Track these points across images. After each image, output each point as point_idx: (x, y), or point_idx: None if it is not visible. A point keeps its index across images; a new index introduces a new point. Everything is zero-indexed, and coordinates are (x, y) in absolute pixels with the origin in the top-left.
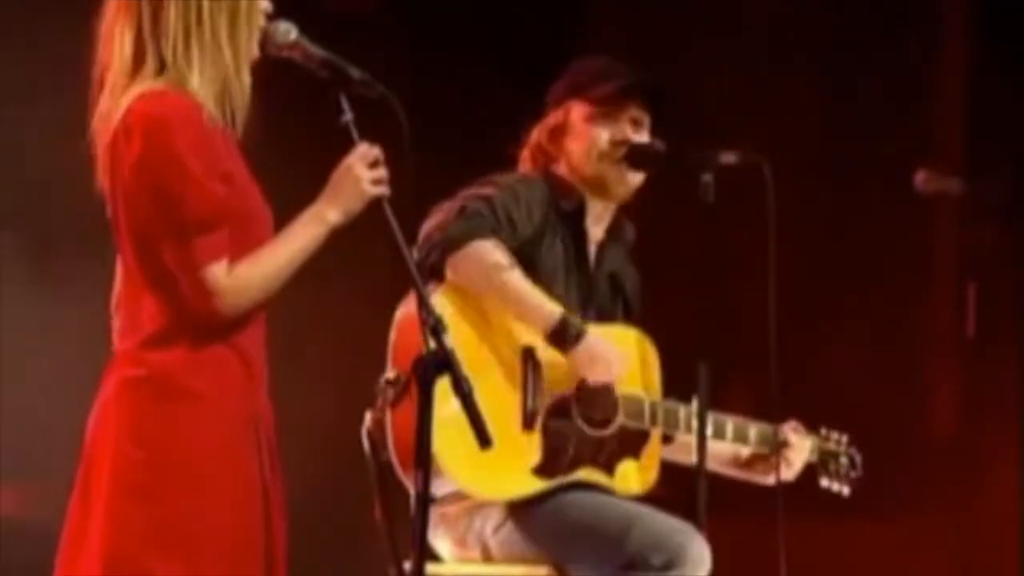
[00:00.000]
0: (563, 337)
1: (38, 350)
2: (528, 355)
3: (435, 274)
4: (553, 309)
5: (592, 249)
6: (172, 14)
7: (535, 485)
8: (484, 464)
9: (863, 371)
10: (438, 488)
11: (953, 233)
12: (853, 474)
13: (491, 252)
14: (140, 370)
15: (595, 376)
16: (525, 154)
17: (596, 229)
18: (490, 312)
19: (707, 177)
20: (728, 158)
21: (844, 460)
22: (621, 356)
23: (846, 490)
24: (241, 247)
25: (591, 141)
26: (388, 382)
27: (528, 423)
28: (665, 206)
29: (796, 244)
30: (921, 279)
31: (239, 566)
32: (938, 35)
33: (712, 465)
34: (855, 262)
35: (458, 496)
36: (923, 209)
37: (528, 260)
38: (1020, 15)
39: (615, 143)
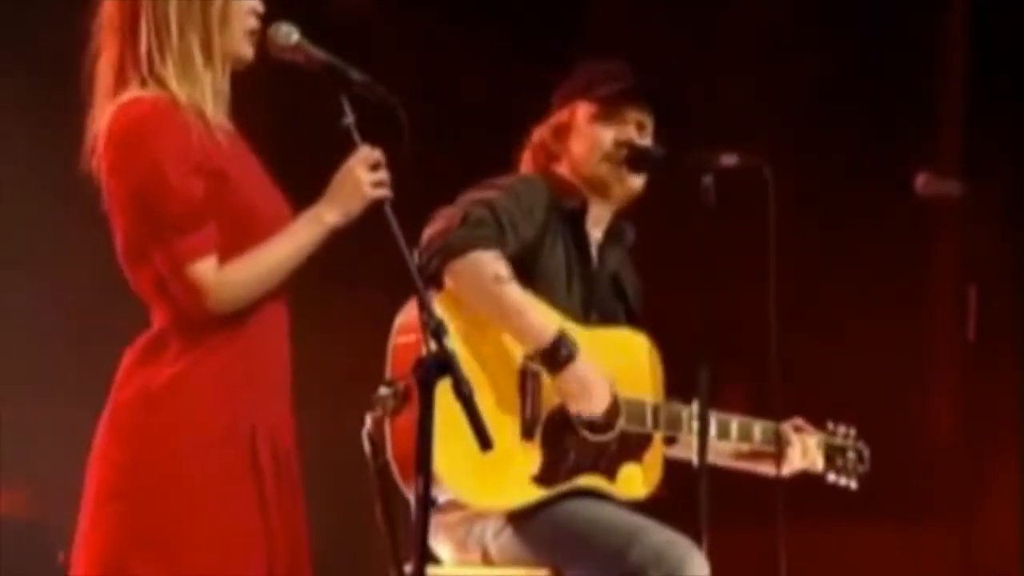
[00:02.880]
0: (553, 359)
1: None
2: (527, 364)
3: (435, 282)
4: (547, 328)
5: (594, 250)
6: (144, 27)
7: (534, 494)
8: (483, 474)
9: (863, 374)
10: (437, 497)
11: (954, 236)
12: (861, 468)
13: (490, 263)
14: (130, 377)
15: (577, 408)
16: (527, 155)
17: (596, 231)
18: (488, 323)
19: (707, 179)
20: (728, 160)
21: (852, 455)
22: (606, 389)
23: (853, 484)
24: (236, 245)
25: (595, 141)
26: (386, 393)
27: (527, 432)
28: (666, 208)
29: (796, 247)
30: (921, 282)
31: (227, 570)
32: (938, 37)
33: (714, 459)
34: (855, 265)
35: (456, 505)
36: (924, 212)
37: (530, 262)
38: (1020, 17)
39: (618, 144)
